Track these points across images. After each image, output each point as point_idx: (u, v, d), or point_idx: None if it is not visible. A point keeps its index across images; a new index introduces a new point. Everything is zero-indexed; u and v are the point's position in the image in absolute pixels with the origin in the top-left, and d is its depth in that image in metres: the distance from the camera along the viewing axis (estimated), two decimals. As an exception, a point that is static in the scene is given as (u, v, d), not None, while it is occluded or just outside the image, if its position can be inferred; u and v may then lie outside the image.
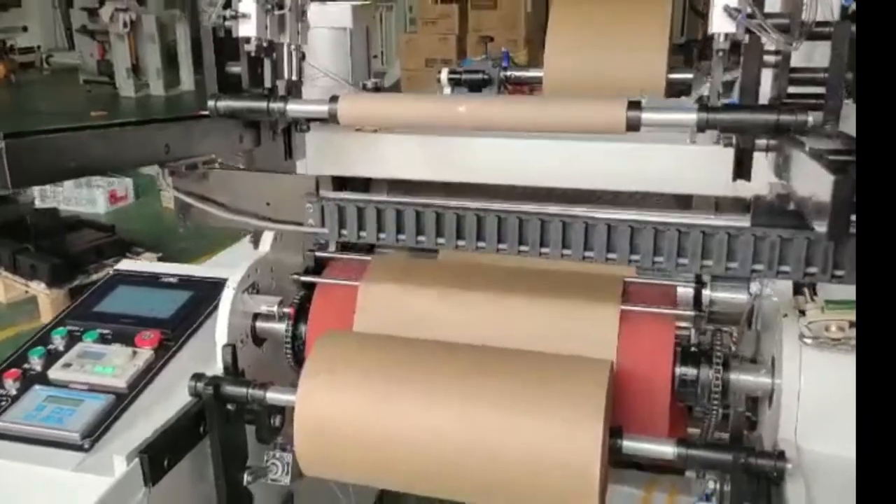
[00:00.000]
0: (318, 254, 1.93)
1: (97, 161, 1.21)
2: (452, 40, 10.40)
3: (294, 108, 1.48)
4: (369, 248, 2.06)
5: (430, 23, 10.95)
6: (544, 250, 1.28)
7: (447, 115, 1.39)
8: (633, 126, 1.32)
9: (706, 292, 1.72)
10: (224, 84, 1.58)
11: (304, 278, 1.83)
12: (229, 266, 1.82)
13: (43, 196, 6.12)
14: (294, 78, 1.55)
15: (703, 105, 1.31)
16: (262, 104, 1.48)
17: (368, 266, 1.77)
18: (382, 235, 1.36)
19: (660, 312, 1.59)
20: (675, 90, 2.55)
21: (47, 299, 4.27)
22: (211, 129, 1.52)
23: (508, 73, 3.09)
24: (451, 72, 2.94)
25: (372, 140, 1.88)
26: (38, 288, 4.31)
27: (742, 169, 1.43)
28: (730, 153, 1.55)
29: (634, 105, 1.32)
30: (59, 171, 1.13)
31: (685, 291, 1.71)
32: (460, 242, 1.32)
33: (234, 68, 1.58)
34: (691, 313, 1.59)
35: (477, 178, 1.74)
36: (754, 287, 1.73)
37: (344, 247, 2.02)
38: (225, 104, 1.50)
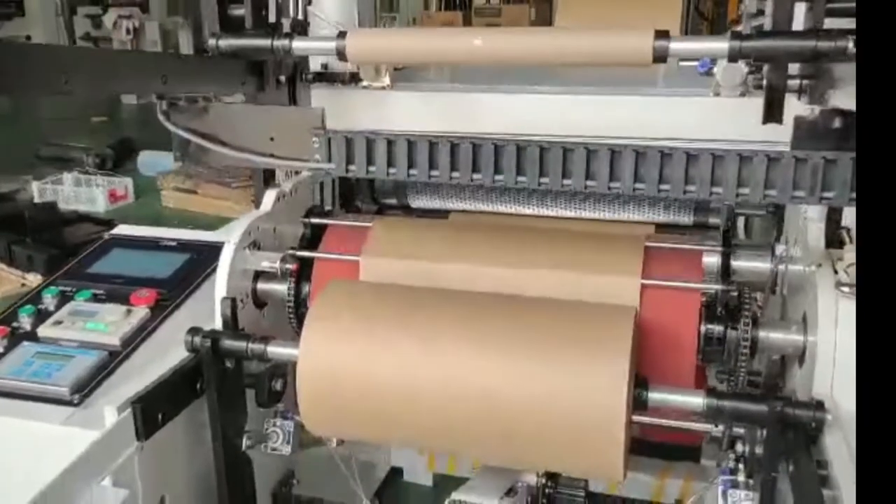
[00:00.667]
0: (315, 220, 1.77)
1: (90, 81, 1.12)
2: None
3: (300, 45, 1.40)
4: (377, 211, 1.99)
5: (433, 31, 10.94)
6: (567, 182, 1.20)
7: (463, 48, 1.31)
8: (660, 57, 1.24)
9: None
10: (226, 28, 1.51)
11: (300, 253, 1.68)
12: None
13: (42, 194, 6.06)
14: (300, 17, 1.48)
15: (735, 33, 1.23)
16: (266, 41, 1.40)
17: (372, 228, 1.67)
18: (393, 170, 1.28)
19: (685, 267, 1.50)
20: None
21: (44, 292, 4.18)
22: (212, 68, 1.44)
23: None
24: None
25: (380, 97, 1.81)
26: (34, 280, 4.22)
27: (773, 110, 1.35)
28: (755, 105, 1.47)
29: (662, 34, 1.24)
30: (48, 84, 1.05)
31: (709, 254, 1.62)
32: (476, 176, 1.24)
33: (237, 10, 1.51)
34: (718, 287, 1.48)
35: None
36: (779, 249, 1.65)
37: (349, 211, 1.94)
38: (227, 42, 1.42)
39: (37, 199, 5.87)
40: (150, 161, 6.80)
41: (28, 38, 14.27)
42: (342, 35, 1.37)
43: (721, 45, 1.23)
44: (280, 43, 1.40)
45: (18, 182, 6.20)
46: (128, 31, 11.01)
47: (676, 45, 1.24)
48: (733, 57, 1.23)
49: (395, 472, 2.65)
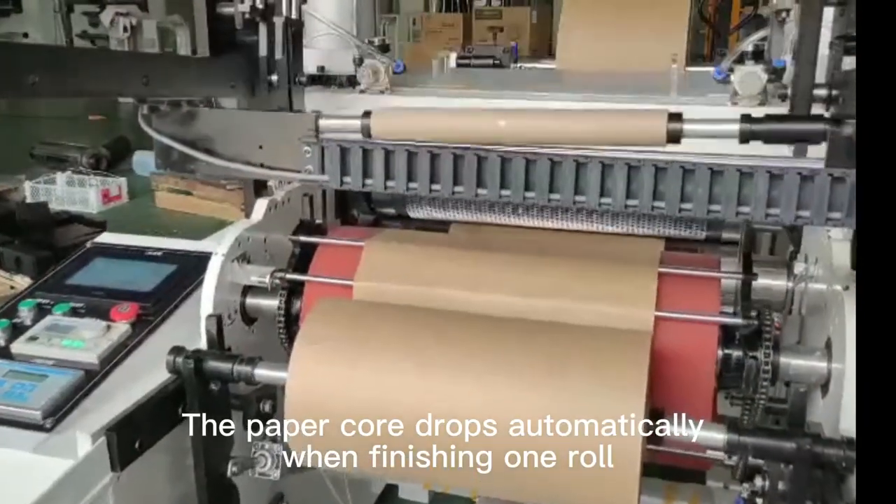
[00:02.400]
0: (305, 239, 1.63)
1: (61, 82, 1.03)
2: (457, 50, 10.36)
3: (327, 123, 1.33)
4: (374, 222, 1.89)
5: (434, 32, 10.89)
6: (579, 199, 1.10)
7: (487, 129, 1.23)
8: (673, 138, 1.18)
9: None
10: (215, 25, 1.42)
11: (290, 276, 1.56)
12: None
13: (34, 194, 5.96)
14: (294, 16, 1.38)
15: (745, 116, 1.16)
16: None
17: (365, 249, 1.54)
18: (391, 183, 1.18)
19: (703, 297, 1.40)
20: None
21: (32, 295, 4.07)
22: (198, 70, 1.35)
23: (520, 64, 2.98)
24: (459, 56, 2.79)
25: (379, 102, 1.71)
26: (22, 283, 4.11)
27: (798, 121, 1.26)
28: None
29: (675, 117, 1.18)
30: (13, 85, 0.95)
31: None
32: (481, 191, 1.14)
33: (226, 8, 1.42)
34: (738, 321, 1.39)
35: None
36: (798, 268, 1.56)
37: (344, 221, 1.84)
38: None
39: (29, 199, 5.77)
40: (145, 161, 6.69)
41: (25, 35, 14.20)
42: (367, 114, 1.29)
43: (732, 126, 1.16)
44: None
45: (11, 181, 6.10)
46: (125, 29, 10.89)
47: (689, 127, 1.19)
48: (744, 139, 1.14)
49: (391, 489, 2.57)
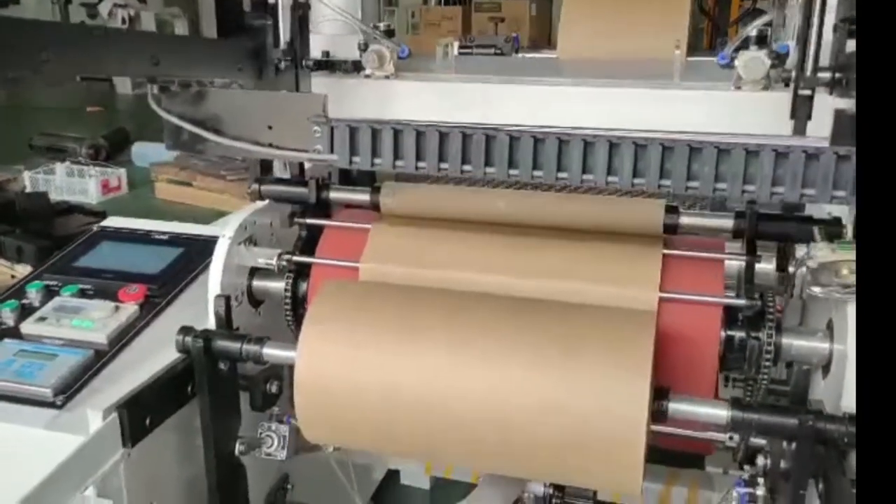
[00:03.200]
0: (311, 221, 1.62)
1: (73, 60, 1.04)
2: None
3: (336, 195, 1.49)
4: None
5: (433, 25, 10.89)
6: (587, 177, 1.12)
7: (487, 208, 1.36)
8: (670, 229, 1.26)
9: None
10: (222, 8, 1.43)
11: (296, 258, 1.56)
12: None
13: (34, 184, 5.96)
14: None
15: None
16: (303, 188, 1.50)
17: (371, 231, 1.55)
18: (400, 163, 1.20)
19: (706, 278, 1.42)
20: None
21: (33, 284, 4.07)
22: (207, 51, 1.36)
23: (521, 54, 3.00)
24: (461, 45, 2.80)
25: (384, 86, 1.73)
26: (23, 271, 4.12)
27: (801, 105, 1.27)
28: (779, 99, 1.39)
29: (672, 209, 1.21)
30: (25, 62, 0.96)
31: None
32: (489, 169, 1.16)
33: (234, -11, 1.43)
34: (742, 302, 1.39)
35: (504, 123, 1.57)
36: (800, 252, 1.57)
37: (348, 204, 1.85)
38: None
39: (28, 189, 5.77)
40: (144, 152, 6.69)
41: (23, 26, 14.14)
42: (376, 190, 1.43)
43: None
44: None
45: (10, 172, 6.09)
46: (123, 21, 10.86)
47: (686, 220, 1.33)
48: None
49: (392, 475, 2.58)
